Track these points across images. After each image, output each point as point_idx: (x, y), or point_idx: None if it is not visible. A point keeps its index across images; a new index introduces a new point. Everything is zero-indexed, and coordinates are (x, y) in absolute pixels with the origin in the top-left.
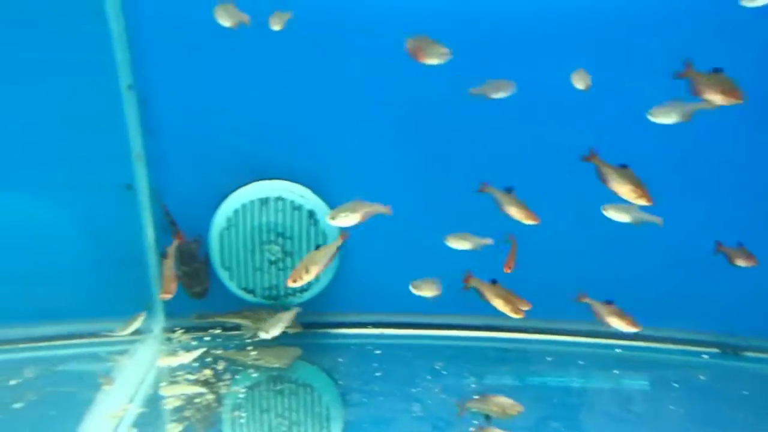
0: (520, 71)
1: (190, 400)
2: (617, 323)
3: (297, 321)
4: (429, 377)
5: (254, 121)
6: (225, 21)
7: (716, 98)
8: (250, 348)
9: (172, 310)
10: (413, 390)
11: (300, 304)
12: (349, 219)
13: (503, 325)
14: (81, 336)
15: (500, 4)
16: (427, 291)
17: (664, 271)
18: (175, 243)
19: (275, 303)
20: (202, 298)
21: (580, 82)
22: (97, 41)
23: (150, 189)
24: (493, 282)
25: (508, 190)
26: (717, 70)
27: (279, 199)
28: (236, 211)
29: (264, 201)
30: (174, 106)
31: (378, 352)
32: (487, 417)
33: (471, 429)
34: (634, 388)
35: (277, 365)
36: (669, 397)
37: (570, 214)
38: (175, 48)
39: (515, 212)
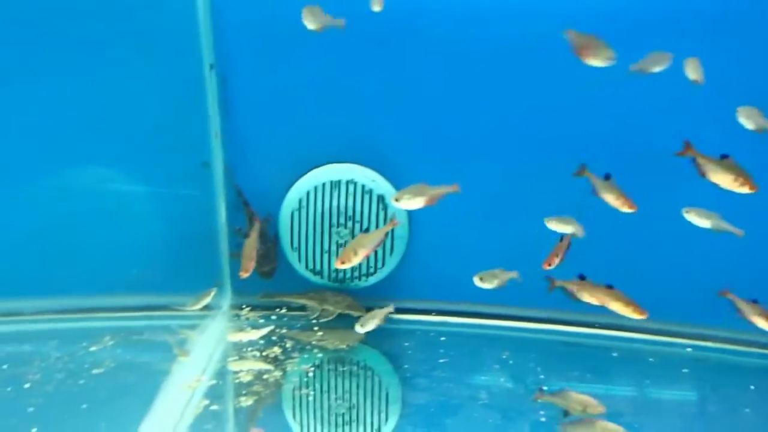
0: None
1: (258, 375)
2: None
3: (362, 305)
4: (496, 366)
5: (329, 103)
6: (311, 24)
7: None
8: (315, 329)
9: (239, 287)
10: (480, 378)
11: (366, 289)
12: (413, 202)
13: (569, 318)
14: (154, 308)
15: None
16: (488, 283)
17: (743, 271)
18: (258, 224)
19: (341, 286)
20: (270, 278)
21: (692, 72)
22: (184, 21)
23: (225, 167)
24: (581, 277)
25: (607, 177)
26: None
27: (350, 182)
28: (308, 193)
29: (336, 183)
30: (252, 87)
31: (443, 339)
32: (566, 413)
33: (565, 421)
34: (704, 389)
35: (341, 347)
36: (744, 400)
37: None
38: (254, 29)
39: (612, 199)
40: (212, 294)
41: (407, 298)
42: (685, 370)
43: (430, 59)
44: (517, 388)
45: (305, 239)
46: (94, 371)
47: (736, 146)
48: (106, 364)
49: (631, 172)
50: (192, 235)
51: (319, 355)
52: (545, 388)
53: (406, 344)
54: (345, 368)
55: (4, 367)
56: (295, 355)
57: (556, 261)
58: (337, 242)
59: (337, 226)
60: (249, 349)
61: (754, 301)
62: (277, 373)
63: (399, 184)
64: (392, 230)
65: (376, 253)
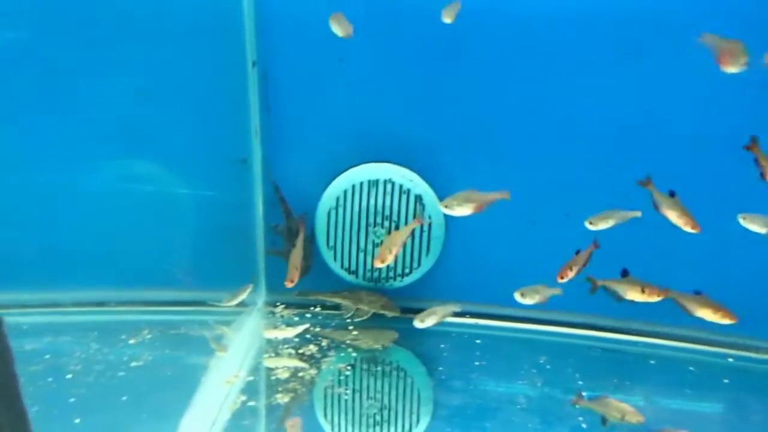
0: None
1: (293, 373)
2: None
3: (396, 305)
4: (533, 370)
5: (368, 102)
6: (338, 31)
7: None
8: (350, 328)
9: (274, 285)
10: (518, 382)
11: (401, 289)
12: (463, 209)
13: (607, 324)
14: (190, 303)
15: None
16: (529, 299)
17: None
18: (303, 231)
19: (376, 285)
20: (304, 276)
21: None
22: (229, 17)
23: (263, 164)
24: (624, 273)
25: (671, 194)
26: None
27: (388, 181)
28: (345, 191)
29: (373, 183)
30: (292, 84)
31: (478, 341)
32: (604, 420)
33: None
34: (745, 399)
35: (375, 347)
36: None
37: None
38: (297, 27)
39: (675, 217)
40: (248, 290)
41: (442, 299)
42: (725, 380)
43: (472, 60)
44: (555, 393)
45: (341, 238)
46: (133, 364)
47: None
48: (145, 358)
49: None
50: (229, 231)
51: (354, 354)
52: (584, 393)
53: (441, 346)
54: (379, 368)
55: (46, 357)
56: (330, 353)
57: (570, 274)
58: (373, 242)
59: (374, 226)
60: (284, 346)
61: None
62: (312, 371)
63: (436, 184)
64: (429, 230)
65: (411, 253)
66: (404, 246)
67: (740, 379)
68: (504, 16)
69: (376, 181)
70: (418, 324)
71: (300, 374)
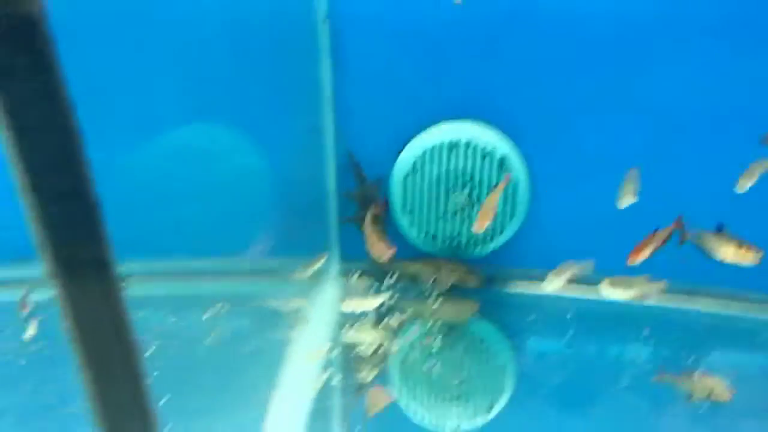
0: None
1: (374, 347)
2: None
3: (478, 274)
4: (636, 344)
5: (446, 56)
6: None
7: None
8: (429, 299)
9: (348, 254)
10: (617, 357)
11: (483, 257)
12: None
13: (712, 293)
14: (262, 273)
15: None
16: (621, 291)
17: None
18: (375, 209)
19: (455, 253)
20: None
21: None
22: None
23: (335, 128)
24: (719, 228)
25: (719, 228)
26: None
27: (469, 143)
28: (423, 155)
29: (453, 145)
30: (366, 39)
31: (569, 315)
32: (690, 397)
33: None
34: None
35: (457, 318)
36: None
37: None
38: None
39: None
40: (323, 260)
41: (529, 267)
42: None
43: (561, 18)
44: (666, 369)
45: (419, 204)
46: (212, 337)
47: None
48: (223, 332)
49: None
50: (301, 199)
51: (434, 326)
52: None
53: (529, 318)
54: (460, 341)
55: None
56: (409, 326)
57: (642, 256)
58: (453, 208)
59: (454, 191)
60: (363, 318)
61: None
62: (392, 345)
63: (522, 145)
64: (514, 194)
65: (495, 218)
66: None
67: None
68: None
69: (457, 143)
70: (546, 287)
71: (380, 349)
